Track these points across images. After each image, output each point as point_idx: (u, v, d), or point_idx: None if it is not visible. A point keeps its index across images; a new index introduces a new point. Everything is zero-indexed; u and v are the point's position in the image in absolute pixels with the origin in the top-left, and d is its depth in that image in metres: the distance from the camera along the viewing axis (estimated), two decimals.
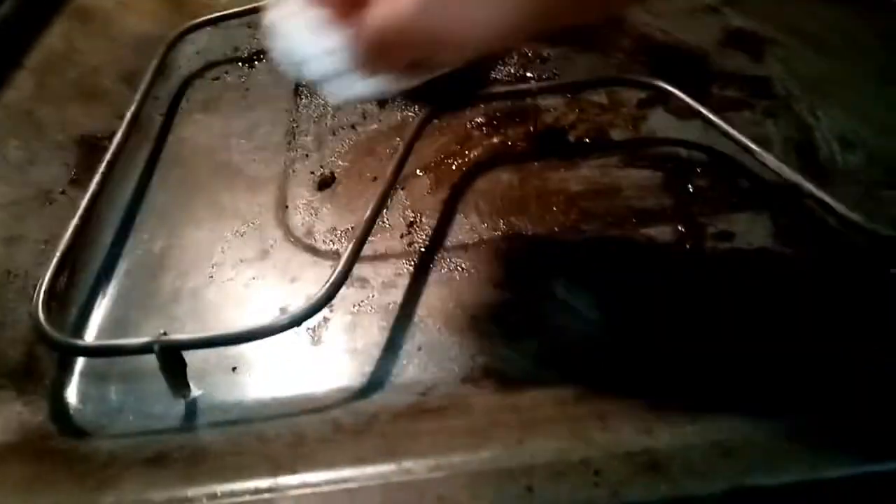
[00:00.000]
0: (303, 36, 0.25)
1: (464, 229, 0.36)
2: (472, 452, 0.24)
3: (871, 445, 0.22)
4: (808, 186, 0.34)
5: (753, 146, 0.36)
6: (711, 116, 0.38)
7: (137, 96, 0.42)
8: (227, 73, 0.49)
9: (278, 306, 0.34)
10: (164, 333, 0.30)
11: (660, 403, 0.24)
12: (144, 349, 0.28)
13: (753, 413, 0.23)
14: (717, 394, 0.26)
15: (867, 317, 0.30)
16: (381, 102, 0.45)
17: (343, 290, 0.34)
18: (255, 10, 0.49)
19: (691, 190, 0.37)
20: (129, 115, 0.41)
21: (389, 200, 0.38)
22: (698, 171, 0.38)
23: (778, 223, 0.34)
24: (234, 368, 0.31)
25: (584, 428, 0.24)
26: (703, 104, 0.40)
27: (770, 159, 0.36)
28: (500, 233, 0.36)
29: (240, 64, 0.50)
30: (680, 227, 0.35)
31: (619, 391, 0.26)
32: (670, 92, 0.40)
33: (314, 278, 0.35)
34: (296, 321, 0.29)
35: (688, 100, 0.39)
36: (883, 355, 0.27)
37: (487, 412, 0.27)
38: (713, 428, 0.22)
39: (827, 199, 0.33)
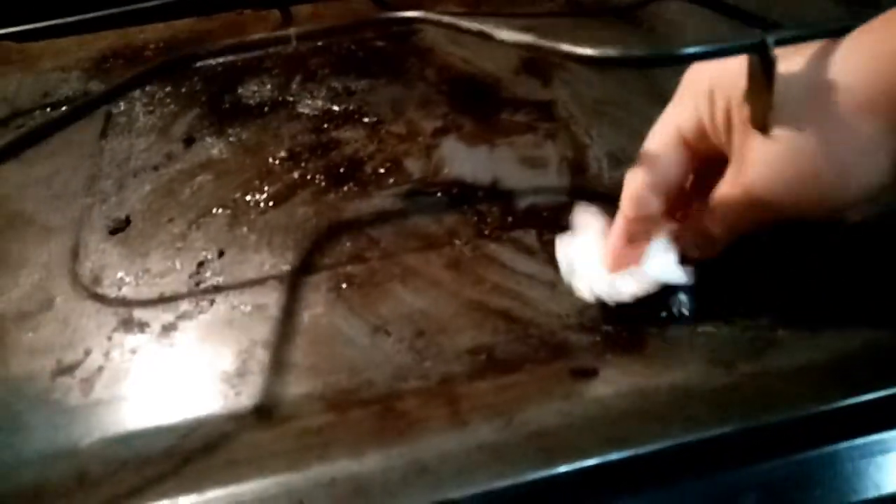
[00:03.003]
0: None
1: (255, 266, 0.37)
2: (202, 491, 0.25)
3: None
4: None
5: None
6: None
7: None
8: (33, 119, 0.48)
9: (54, 359, 0.33)
10: None
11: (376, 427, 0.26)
12: None
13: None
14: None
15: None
16: (188, 141, 0.45)
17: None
18: None
19: (472, 212, 0.39)
20: None
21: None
22: (479, 194, 0.40)
23: (543, 240, 0.37)
24: None
25: (304, 460, 0.25)
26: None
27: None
28: (289, 267, 0.37)
29: (49, 110, 0.49)
30: (458, 247, 0.37)
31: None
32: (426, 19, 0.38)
33: (95, 327, 0.34)
34: None
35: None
36: None
37: (244, 448, 0.28)
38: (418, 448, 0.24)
39: None
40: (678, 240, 0.30)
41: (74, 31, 0.54)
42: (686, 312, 0.30)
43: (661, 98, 0.45)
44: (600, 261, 0.32)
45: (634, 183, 0.31)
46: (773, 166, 0.25)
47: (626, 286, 0.30)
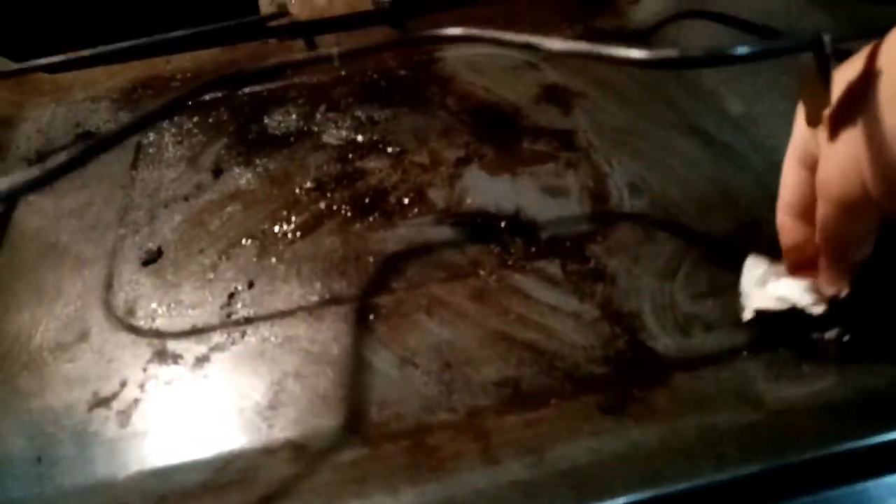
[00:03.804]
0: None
1: (283, 297, 0.38)
2: None
3: None
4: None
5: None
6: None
7: None
8: (65, 150, 0.49)
9: (91, 390, 0.34)
10: None
11: None
12: None
13: None
14: None
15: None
16: (217, 171, 0.46)
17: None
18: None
19: (495, 242, 0.39)
20: None
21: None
22: (502, 224, 0.40)
23: (567, 270, 0.37)
24: (38, 458, 0.31)
25: (340, 495, 0.25)
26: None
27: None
28: (317, 298, 0.37)
29: (81, 142, 0.50)
30: (482, 277, 0.37)
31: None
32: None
33: (130, 358, 0.35)
34: None
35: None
36: None
37: (279, 483, 0.29)
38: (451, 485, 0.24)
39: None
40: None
41: (104, 61, 0.56)
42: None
43: (681, 128, 0.46)
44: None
45: (778, 217, 0.31)
46: (833, 160, 0.25)
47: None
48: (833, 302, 0.29)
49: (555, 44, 0.31)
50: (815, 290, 0.30)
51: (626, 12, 0.58)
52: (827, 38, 0.24)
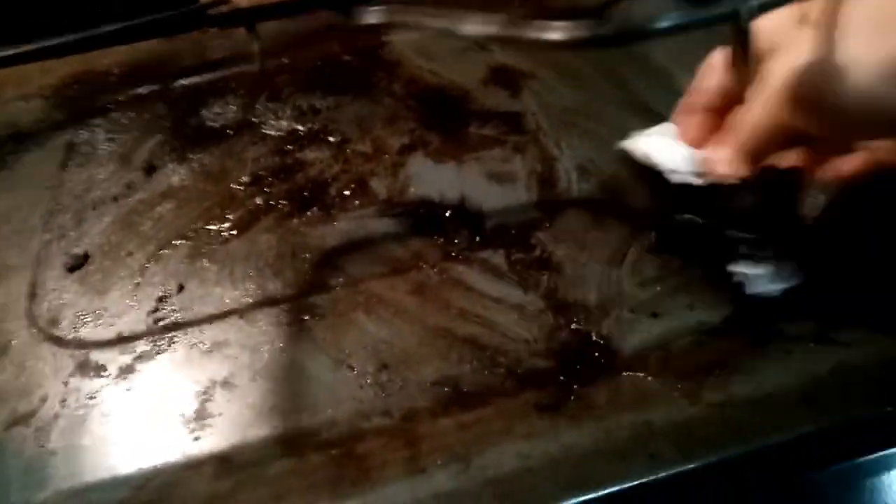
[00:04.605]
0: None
1: (215, 300, 0.36)
2: None
3: None
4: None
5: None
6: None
7: None
8: None
9: (9, 408, 0.32)
10: None
11: None
12: None
13: None
14: None
15: None
16: (149, 169, 0.44)
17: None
18: None
19: (438, 232, 0.38)
20: None
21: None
22: (447, 214, 0.39)
23: (511, 260, 0.36)
24: None
25: None
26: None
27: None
28: (250, 300, 0.36)
29: (10, 141, 0.48)
30: (424, 271, 0.36)
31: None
32: None
33: (51, 371, 0.33)
34: None
35: None
36: None
37: (197, 501, 0.27)
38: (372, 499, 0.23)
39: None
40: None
41: (33, 59, 0.53)
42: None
43: (633, 107, 0.44)
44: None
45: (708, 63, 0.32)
46: (781, 81, 0.25)
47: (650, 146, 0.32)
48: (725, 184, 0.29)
49: (472, 27, 0.29)
50: (700, 164, 0.30)
51: None
52: (745, 9, 0.24)
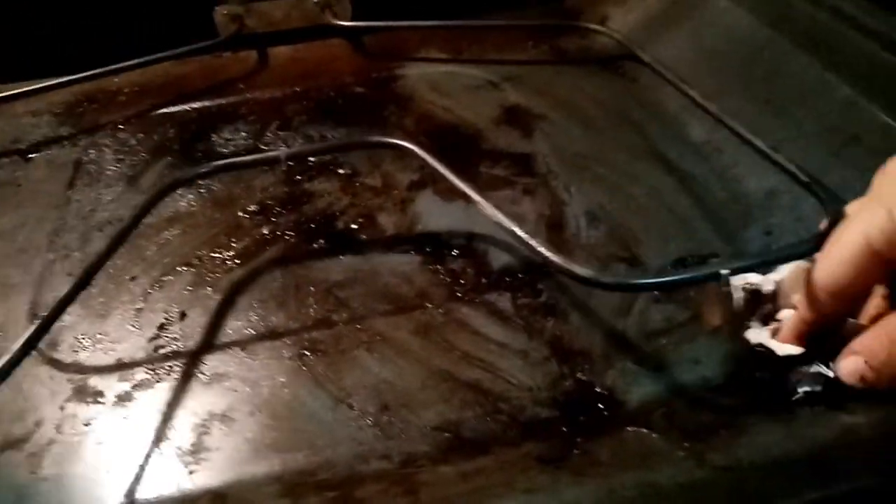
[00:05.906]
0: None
1: (216, 330, 0.35)
2: None
3: None
4: (556, 261, 0.34)
5: (507, 225, 0.38)
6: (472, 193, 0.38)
7: None
8: (0, 168, 0.47)
9: (2, 431, 0.32)
10: None
11: None
12: None
13: None
14: None
15: None
16: (162, 192, 0.44)
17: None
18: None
19: (445, 272, 0.38)
20: None
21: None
22: (454, 253, 0.39)
23: (517, 304, 0.36)
24: None
25: None
26: (469, 183, 0.42)
27: (521, 238, 0.37)
28: (252, 332, 0.35)
29: (17, 157, 0.48)
30: (429, 310, 0.36)
31: None
32: (415, 152, 0.39)
33: (48, 395, 0.33)
34: None
35: (451, 176, 0.39)
36: None
37: None
38: None
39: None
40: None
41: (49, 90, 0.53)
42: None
43: (645, 154, 0.44)
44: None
45: (814, 285, 0.28)
46: None
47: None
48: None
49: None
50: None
51: (590, 34, 0.56)
52: (725, 272, 0.27)
